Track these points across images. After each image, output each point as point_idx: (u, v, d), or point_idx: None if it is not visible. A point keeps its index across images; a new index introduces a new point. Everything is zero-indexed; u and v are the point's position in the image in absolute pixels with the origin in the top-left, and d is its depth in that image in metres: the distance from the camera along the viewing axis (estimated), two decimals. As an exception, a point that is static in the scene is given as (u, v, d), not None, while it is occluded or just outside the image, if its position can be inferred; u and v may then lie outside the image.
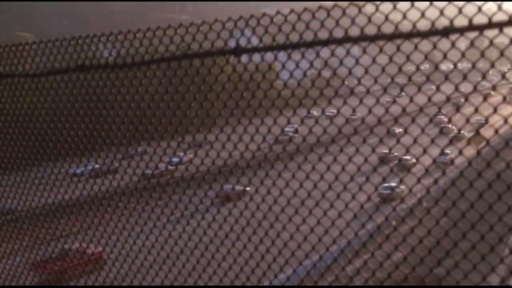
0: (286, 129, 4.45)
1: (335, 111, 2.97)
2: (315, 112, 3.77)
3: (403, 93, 3.00)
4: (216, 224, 3.40)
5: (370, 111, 2.79)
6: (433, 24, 2.62)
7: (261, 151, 3.37)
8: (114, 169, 4.49)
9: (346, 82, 3.12)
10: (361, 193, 2.96)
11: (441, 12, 2.61)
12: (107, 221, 3.83)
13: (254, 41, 3.46)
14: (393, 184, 18.42)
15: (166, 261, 3.44)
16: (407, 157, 18.10)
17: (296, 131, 16.96)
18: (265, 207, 3.24)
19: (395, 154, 19.16)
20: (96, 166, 4.83)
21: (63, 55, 4.23)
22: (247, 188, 3.15)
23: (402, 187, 19.72)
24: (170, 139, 4.08)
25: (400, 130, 3.20)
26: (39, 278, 4.58)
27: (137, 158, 4.30)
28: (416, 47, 2.63)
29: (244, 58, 3.37)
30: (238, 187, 3.70)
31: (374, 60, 2.68)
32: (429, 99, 2.68)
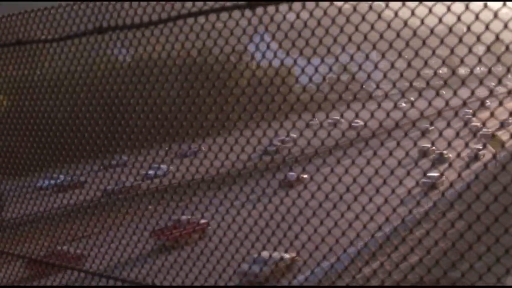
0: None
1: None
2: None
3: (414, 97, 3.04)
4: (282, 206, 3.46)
5: (388, 114, 2.84)
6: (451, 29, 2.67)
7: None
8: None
9: (364, 86, 3.16)
10: (405, 182, 3.00)
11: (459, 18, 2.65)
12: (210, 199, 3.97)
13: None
14: (435, 175, 18.84)
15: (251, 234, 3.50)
16: (444, 151, 18.59)
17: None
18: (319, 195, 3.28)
19: (433, 148, 19.62)
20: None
21: (81, 18, 4.21)
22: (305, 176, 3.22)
23: (443, 177, 20.06)
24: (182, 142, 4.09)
25: (432, 127, 3.26)
26: (156, 243, 5.03)
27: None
28: (434, 52, 2.67)
29: (263, 62, 3.44)
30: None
31: (392, 65, 2.73)
32: (447, 103, 2.73)
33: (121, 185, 4.57)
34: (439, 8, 2.81)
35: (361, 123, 3.05)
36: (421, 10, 2.78)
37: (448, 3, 2.73)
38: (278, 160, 3.71)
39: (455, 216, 3.23)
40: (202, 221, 5.38)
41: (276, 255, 3.79)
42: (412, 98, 3.10)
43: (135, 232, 3.83)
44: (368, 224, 3.10)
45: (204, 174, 3.84)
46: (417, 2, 2.79)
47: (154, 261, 3.74)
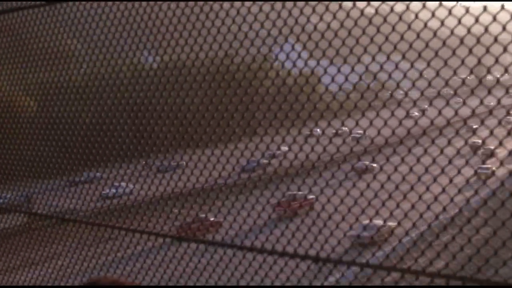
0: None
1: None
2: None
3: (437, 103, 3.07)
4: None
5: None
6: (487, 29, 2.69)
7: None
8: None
9: (393, 94, 3.21)
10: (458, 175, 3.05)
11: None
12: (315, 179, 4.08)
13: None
14: (489, 166, 19.31)
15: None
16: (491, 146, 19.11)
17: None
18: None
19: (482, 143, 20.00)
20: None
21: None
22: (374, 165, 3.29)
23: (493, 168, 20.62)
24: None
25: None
26: (276, 215, 5.10)
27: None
28: (462, 61, 2.71)
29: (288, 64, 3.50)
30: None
31: (421, 74, 2.77)
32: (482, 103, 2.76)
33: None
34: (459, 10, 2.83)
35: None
36: (442, 12, 2.80)
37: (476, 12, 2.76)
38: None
39: (481, 222, 3.25)
40: (310, 196, 5.58)
41: (378, 222, 4.00)
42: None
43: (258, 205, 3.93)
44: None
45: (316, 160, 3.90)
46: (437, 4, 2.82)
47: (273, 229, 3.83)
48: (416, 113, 3.11)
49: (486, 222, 2.93)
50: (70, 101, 4.87)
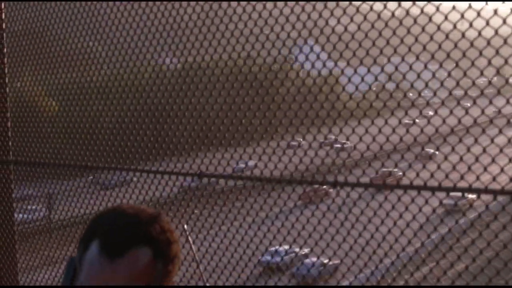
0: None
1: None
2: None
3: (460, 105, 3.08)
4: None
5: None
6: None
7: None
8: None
9: (409, 95, 3.25)
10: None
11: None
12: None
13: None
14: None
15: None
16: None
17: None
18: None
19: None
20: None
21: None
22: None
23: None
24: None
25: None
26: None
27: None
28: (489, 62, 2.73)
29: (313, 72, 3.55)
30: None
31: (449, 74, 2.80)
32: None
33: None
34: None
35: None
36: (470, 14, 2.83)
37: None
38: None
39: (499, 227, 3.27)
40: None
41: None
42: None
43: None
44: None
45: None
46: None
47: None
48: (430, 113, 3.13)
49: None
50: (90, 102, 4.95)
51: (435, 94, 2.73)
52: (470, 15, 2.58)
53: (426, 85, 2.74)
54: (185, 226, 2.21)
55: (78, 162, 4.96)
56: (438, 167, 2.74)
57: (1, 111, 5.32)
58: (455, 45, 2.57)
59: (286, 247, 3.43)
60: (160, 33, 4.28)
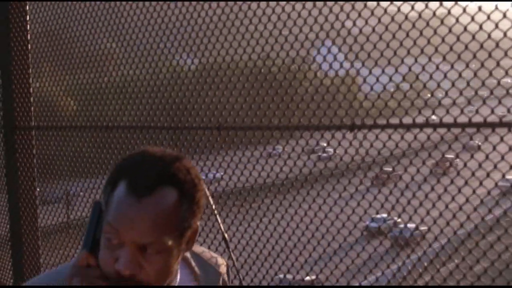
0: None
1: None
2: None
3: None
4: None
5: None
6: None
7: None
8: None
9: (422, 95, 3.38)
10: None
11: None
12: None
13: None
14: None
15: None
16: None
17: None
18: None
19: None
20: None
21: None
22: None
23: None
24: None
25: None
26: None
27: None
28: (498, 63, 2.88)
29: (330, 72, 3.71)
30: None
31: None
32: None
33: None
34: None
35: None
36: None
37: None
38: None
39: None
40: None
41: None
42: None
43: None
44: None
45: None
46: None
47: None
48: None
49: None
50: (107, 101, 5.07)
51: (461, 93, 2.88)
52: (497, 16, 2.71)
53: (453, 84, 2.90)
54: (210, 199, 2.24)
55: (99, 123, 5.09)
56: (487, 156, 2.83)
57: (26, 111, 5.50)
58: (481, 46, 2.71)
59: (384, 215, 3.49)
60: (181, 35, 4.42)
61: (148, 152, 1.82)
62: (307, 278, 3.75)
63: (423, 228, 3.32)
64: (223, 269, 2.21)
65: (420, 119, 3.23)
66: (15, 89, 5.52)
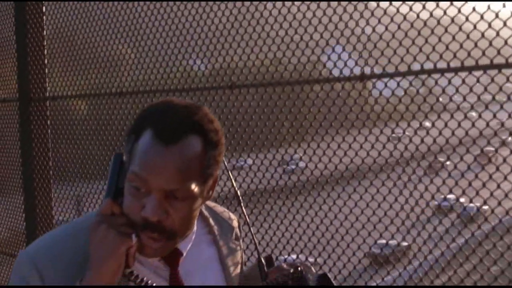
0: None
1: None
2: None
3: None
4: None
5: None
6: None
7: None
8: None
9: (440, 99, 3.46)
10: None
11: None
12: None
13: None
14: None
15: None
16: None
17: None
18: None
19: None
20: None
21: None
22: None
23: None
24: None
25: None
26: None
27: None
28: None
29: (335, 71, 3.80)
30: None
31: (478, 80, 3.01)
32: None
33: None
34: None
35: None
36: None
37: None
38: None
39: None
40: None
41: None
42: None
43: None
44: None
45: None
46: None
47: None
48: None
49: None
50: (118, 105, 5.14)
51: (478, 98, 2.96)
52: None
53: (471, 89, 2.98)
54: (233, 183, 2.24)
55: (113, 89, 5.13)
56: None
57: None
58: (498, 52, 2.79)
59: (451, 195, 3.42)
60: (190, 35, 4.51)
61: (171, 102, 1.85)
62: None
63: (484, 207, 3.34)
64: (235, 223, 2.28)
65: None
66: (30, 61, 5.66)
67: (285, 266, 2.08)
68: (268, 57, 4.03)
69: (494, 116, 2.96)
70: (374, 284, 3.43)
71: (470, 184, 3.02)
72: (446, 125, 3.05)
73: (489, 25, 2.82)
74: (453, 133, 3.01)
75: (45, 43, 5.71)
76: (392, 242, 3.48)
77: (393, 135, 3.69)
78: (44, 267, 1.79)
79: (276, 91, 4.03)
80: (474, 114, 3.04)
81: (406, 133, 3.52)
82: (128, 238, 1.75)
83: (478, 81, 2.95)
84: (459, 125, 3.01)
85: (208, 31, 4.34)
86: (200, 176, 1.79)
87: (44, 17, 5.68)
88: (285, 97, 4.02)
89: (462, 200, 3.27)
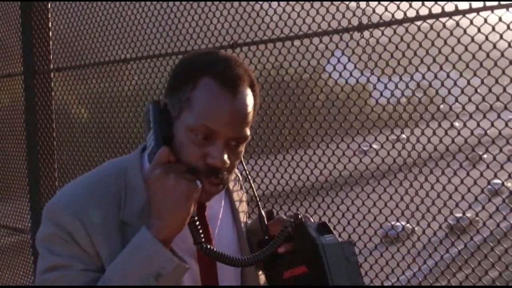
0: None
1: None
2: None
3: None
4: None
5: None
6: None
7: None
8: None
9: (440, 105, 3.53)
10: None
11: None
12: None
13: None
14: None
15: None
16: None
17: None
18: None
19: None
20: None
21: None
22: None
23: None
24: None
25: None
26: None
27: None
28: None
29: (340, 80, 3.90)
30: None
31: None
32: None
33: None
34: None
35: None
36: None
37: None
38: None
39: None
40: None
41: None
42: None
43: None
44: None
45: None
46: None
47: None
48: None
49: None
50: (121, 110, 5.21)
51: (477, 108, 3.03)
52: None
53: (471, 98, 3.06)
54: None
55: (117, 57, 5.15)
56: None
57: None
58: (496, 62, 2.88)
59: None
60: (194, 40, 4.58)
61: (218, 52, 1.89)
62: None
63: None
64: (239, 174, 2.36)
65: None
66: (35, 34, 5.76)
67: (285, 217, 2.14)
68: (270, 61, 4.12)
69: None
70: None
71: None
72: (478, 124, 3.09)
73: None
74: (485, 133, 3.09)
75: (50, 16, 5.80)
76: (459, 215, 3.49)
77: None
78: (82, 213, 1.79)
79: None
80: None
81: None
82: (196, 184, 1.76)
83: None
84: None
85: (211, 36, 4.43)
86: (250, 124, 1.86)
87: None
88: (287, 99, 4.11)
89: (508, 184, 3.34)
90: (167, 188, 1.72)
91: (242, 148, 1.86)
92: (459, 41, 3.10)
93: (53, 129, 5.77)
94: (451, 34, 3.12)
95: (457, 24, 3.10)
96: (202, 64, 1.81)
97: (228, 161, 1.80)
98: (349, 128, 3.90)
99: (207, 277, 2.00)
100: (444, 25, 3.16)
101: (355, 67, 3.98)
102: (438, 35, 3.15)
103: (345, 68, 3.97)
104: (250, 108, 1.82)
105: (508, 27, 2.91)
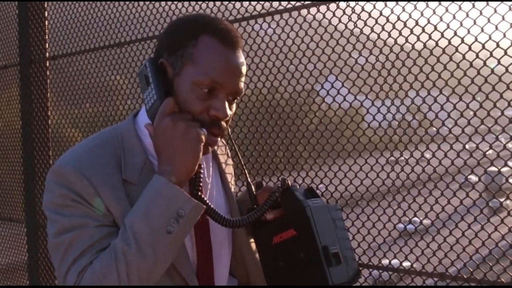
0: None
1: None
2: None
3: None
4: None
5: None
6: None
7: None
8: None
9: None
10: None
11: None
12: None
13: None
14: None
15: None
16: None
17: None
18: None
19: None
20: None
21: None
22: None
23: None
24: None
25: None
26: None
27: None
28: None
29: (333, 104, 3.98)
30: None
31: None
32: None
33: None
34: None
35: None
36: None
37: None
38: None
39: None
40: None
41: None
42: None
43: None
44: None
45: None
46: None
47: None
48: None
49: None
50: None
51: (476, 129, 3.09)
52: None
53: (469, 120, 3.14)
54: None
55: (112, 41, 5.15)
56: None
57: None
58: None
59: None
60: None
61: (207, 14, 2.02)
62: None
63: None
64: (223, 140, 2.45)
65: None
66: (31, 25, 5.79)
67: (272, 186, 2.21)
68: (266, 86, 4.21)
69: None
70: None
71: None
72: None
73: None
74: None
75: (46, 5, 5.85)
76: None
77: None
78: (88, 172, 1.84)
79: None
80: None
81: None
82: (204, 130, 1.86)
83: None
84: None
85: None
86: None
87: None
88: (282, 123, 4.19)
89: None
90: (178, 134, 1.80)
91: (235, 105, 1.98)
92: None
93: (48, 117, 5.80)
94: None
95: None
96: (202, 23, 1.91)
97: (230, 113, 1.92)
98: (341, 150, 3.97)
99: (201, 242, 2.07)
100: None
101: (349, 91, 4.07)
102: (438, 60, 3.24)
103: (338, 92, 4.04)
104: (245, 64, 1.94)
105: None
